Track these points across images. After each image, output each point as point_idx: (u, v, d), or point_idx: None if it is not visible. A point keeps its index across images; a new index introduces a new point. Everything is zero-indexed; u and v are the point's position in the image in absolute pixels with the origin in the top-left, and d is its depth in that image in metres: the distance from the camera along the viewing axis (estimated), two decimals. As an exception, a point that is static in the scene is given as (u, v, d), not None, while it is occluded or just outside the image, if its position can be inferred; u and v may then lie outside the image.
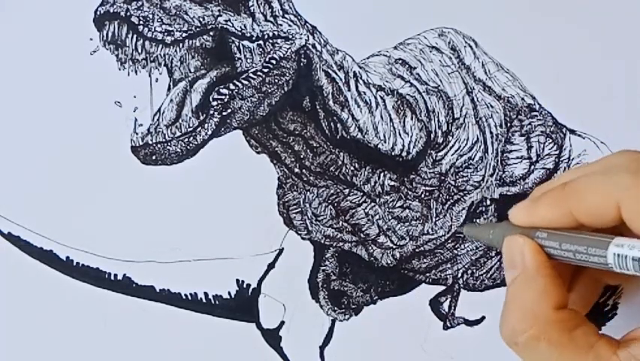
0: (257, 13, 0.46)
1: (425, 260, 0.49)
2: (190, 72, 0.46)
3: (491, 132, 0.49)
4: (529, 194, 0.45)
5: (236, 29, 0.45)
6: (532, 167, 0.49)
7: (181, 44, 0.45)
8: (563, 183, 0.40)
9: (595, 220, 0.39)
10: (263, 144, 0.48)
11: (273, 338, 0.48)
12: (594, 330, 0.39)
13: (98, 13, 0.45)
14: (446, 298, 0.49)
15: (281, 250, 0.48)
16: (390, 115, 0.48)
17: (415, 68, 0.49)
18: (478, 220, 0.49)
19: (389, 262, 0.49)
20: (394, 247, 0.49)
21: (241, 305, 0.48)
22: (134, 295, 0.48)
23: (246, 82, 0.45)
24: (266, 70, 0.45)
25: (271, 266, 0.48)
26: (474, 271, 0.50)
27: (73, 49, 0.47)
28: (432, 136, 0.48)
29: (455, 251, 0.49)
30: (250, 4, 0.46)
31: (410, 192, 0.48)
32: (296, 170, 0.48)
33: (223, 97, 0.45)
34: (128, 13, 0.44)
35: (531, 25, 0.49)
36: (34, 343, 0.47)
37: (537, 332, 0.38)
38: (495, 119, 0.49)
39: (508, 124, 0.49)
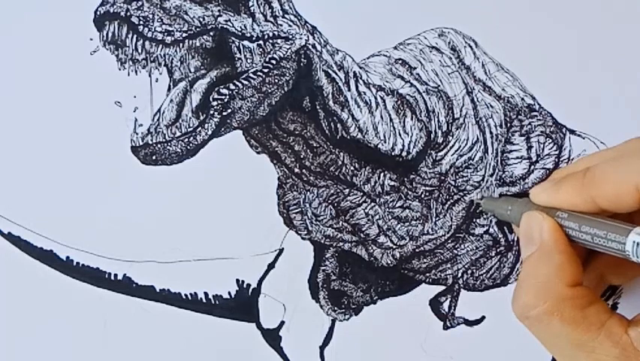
0: (257, 14, 0.46)
1: (425, 260, 0.49)
2: (190, 72, 0.46)
3: (491, 132, 0.49)
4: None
5: (236, 29, 0.45)
6: (532, 167, 0.49)
7: (181, 44, 0.45)
8: (584, 169, 0.40)
9: (615, 206, 0.39)
10: (263, 144, 0.48)
11: (273, 338, 0.48)
12: (606, 308, 0.39)
13: (98, 13, 0.45)
14: (446, 298, 0.49)
15: (281, 250, 0.48)
16: (390, 115, 0.48)
17: (415, 68, 0.49)
18: (494, 194, 0.49)
19: (389, 262, 0.49)
20: (394, 247, 0.49)
21: (241, 305, 0.48)
22: (134, 295, 0.48)
23: (246, 82, 0.45)
24: (266, 70, 0.45)
25: (271, 266, 0.48)
26: (474, 271, 0.50)
27: (74, 49, 0.47)
28: (432, 136, 0.48)
29: (455, 251, 0.49)
30: (250, 4, 0.46)
31: (410, 192, 0.48)
32: (296, 170, 0.48)
33: (223, 97, 0.45)
34: (128, 13, 0.44)
35: (531, 25, 0.49)
36: (34, 343, 0.47)
37: (550, 307, 0.39)
38: (495, 119, 0.49)
39: (508, 124, 0.49)
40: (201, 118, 0.45)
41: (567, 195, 0.41)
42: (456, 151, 0.48)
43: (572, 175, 0.42)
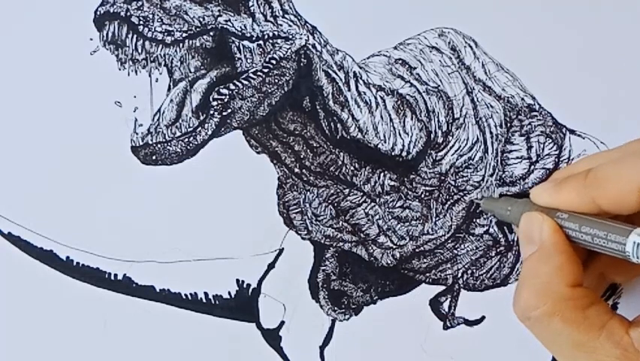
0: (257, 14, 0.46)
1: (425, 260, 0.49)
2: (190, 72, 0.46)
3: (491, 132, 0.49)
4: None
5: (236, 29, 0.45)
6: (532, 167, 0.49)
7: (181, 44, 0.45)
8: (586, 170, 0.40)
9: (617, 207, 0.39)
10: (263, 144, 0.48)
11: (273, 338, 0.48)
12: (607, 309, 0.39)
13: (98, 13, 0.45)
14: (446, 298, 0.49)
15: (281, 250, 0.48)
16: (390, 115, 0.48)
17: (415, 68, 0.49)
18: (493, 195, 0.49)
19: (389, 262, 0.49)
20: (394, 247, 0.49)
21: (241, 305, 0.48)
22: (134, 295, 0.48)
23: (246, 82, 0.45)
24: (266, 70, 0.45)
25: (271, 266, 0.48)
26: (474, 271, 0.50)
27: (74, 49, 0.47)
28: (432, 136, 0.48)
29: (455, 251, 0.49)
30: (250, 4, 0.46)
31: (410, 192, 0.48)
32: (296, 170, 0.48)
33: (223, 97, 0.45)
34: (128, 13, 0.44)
35: (531, 25, 0.49)
36: (34, 343, 0.47)
37: (551, 307, 0.39)
38: (495, 119, 0.49)
39: (508, 124, 0.49)
40: (201, 118, 0.45)
41: (568, 196, 0.41)
42: (456, 151, 0.48)
43: (574, 176, 0.42)
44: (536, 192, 0.43)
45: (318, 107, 0.47)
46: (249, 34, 0.45)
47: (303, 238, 0.49)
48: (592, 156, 0.45)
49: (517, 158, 0.49)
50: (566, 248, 0.40)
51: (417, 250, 0.49)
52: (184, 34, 0.44)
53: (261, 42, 0.45)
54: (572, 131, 0.50)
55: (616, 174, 0.39)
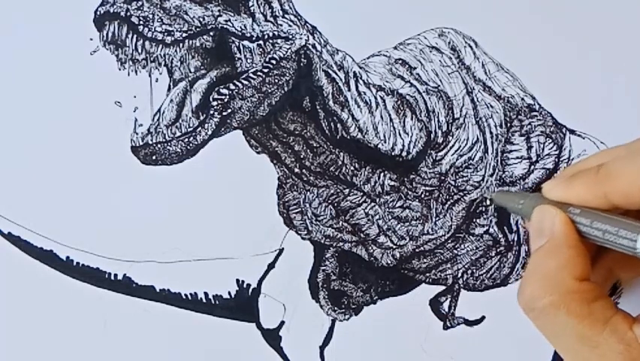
0: (257, 14, 0.46)
1: (425, 260, 0.49)
2: (190, 72, 0.46)
3: (491, 132, 0.49)
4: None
5: (236, 29, 0.45)
6: (532, 167, 0.49)
7: (181, 44, 0.45)
8: (597, 165, 0.41)
9: (628, 202, 0.39)
10: (263, 144, 0.48)
11: (273, 338, 0.48)
12: (612, 304, 0.39)
13: (98, 13, 0.45)
14: (446, 298, 0.49)
15: (281, 250, 0.48)
16: (390, 115, 0.48)
17: (415, 68, 0.49)
18: (511, 189, 0.49)
19: (389, 262, 0.49)
20: (394, 247, 0.49)
21: (241, 305, 0.48)
22: (134, 295, 0.48)
23: (246, 82, 0.45)
24: (266, 70, 0.45)
25: (271, 266, 0.48)
26: (474, 271, 0.50)
27: (74, 49, 0.47)
28: (432, 136, 0.48)
29: (455, 251, 0.49)
30: (250, 4, 0.46)
31: (410, 192, 0.48)
32: (296, 170, 0.48)
33: (223, 97, 0.45)
34: (128, 13, 0.44)
35: (531, 25, 0.49)
36: (34, 343, 0.47)
37: (557, 299, 0.39)
38: (495, 119, 0.49)
39: (508, 124, 0.49)
40: (201, 118, 0.45)
41: (580, 191, 0.41)
42: (456, 151, 0.48)
43: (585, 171, 0.42)
44: (548, 186, 0.43)
45: (318, 107, 0.47)
46: (249, 34, 0.45)
47: (303, 238, 0.49)
48: (602, 152, 0.45)
49: (517, 158, 0.49)
50: (575, 242, 0.41)
51: (417, 250, 0.49)
52: (184, 34, 0.44)
53: (261, 42, 0.45)
54: (572, 131, 0.50)
55: (627, 168, 0.39)
